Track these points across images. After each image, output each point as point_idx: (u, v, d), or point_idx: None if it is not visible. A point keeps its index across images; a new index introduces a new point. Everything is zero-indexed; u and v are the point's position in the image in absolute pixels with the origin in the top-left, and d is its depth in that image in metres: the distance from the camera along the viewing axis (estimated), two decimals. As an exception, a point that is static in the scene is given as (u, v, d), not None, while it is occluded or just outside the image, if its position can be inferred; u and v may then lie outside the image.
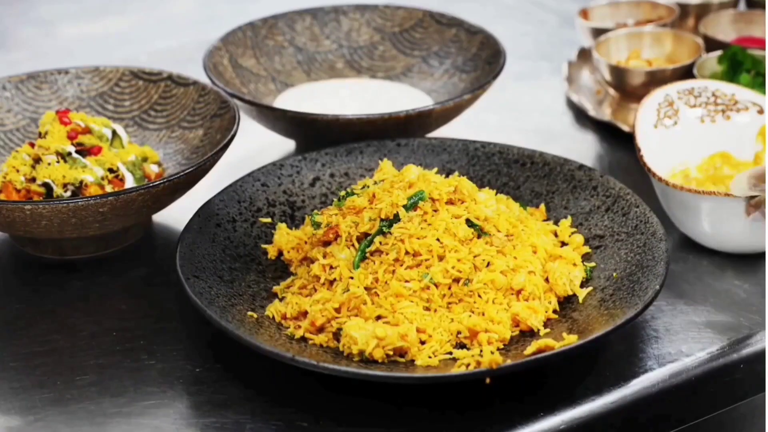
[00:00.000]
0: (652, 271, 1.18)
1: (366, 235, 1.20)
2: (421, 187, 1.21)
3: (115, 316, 1.25)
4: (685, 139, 1.38)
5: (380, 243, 1.19)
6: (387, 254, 1.18)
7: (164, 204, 1.31)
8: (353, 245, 1.20)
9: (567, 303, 1.21)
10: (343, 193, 1.26)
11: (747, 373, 1.20)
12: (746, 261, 1.31)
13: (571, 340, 1.11)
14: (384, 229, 1.19)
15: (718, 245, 1.32)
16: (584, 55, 1.75)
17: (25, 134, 1.44)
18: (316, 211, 1.30)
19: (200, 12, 2.04)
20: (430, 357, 1.13)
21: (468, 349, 1.15)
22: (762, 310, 1.24)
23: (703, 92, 1.40)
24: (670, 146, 1.37)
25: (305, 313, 1.18)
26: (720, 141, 1.38)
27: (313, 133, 1.44)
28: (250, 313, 1.19)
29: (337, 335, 1.16)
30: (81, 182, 1.31)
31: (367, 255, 1.18)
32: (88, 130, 1.35)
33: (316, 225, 1.24)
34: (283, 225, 1.31)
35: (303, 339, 1.17)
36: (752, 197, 1.22)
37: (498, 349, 1.14)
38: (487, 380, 1.09)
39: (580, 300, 1.20)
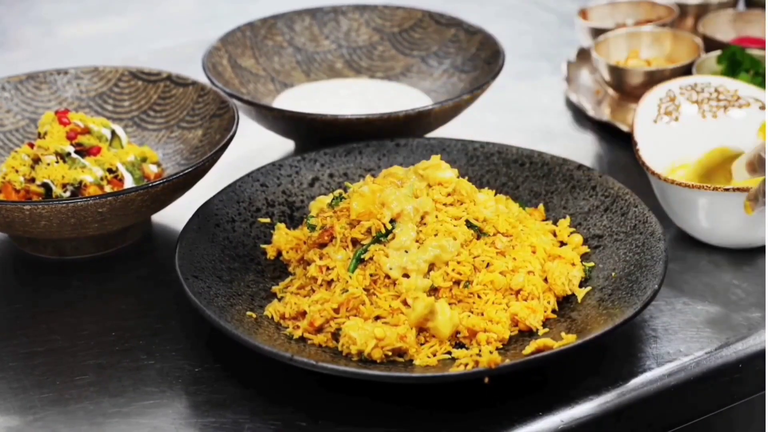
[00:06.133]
0: (651, 270, 1.18)
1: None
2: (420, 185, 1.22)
3: (115, 316, 1.25)
4: (685, 134, 1.38)
5: (376, 250, 1.19)
6: (387, 256, 1.18)
7: (163, 204, 1.31)
8: (348, 246, 1.20)
9: (566, 303, 1.21)
10: (337, 193, 1.26)
11: (746, 373, 1.20)
12: (745, 260, 1.31)
13: (569, 339, 1.11)
14: (381, 238, 1.19)
15: (715, 240, 1.32)
16: (583, 54, 1.75)
17: (24, 134, 1.45)
18: (311, 213, 1.30)
19: (199, 12, 2.04)
20: (428, 357, 1.13)
21: (467, 348, 1.15)
22: (761, 309, 1.24)
23: (705, 88, 1.40)
24: (669, 142, 1.37)
25: (304, 313, 1.18)
26: (720, 136, 1.38)
27: (312, 134, 1.44)
28: (249, 312, 1.19)
29: (335, 335, 1.16)
30: (80, 182, 1.31)
31: (365, 258, 1.18)
32: (87, 131, 1.35)
33: (311, 227, 1.24)
34: (282, 225, 1.31)
35: (302, 339, 1.17)
36: (747, 190, 1.21)
37: (497, 348, 1.14)
38: (486, 380, 1.09)
39: (579, 300, 1.21)
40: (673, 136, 1.38)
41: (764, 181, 1.17)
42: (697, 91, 1.39)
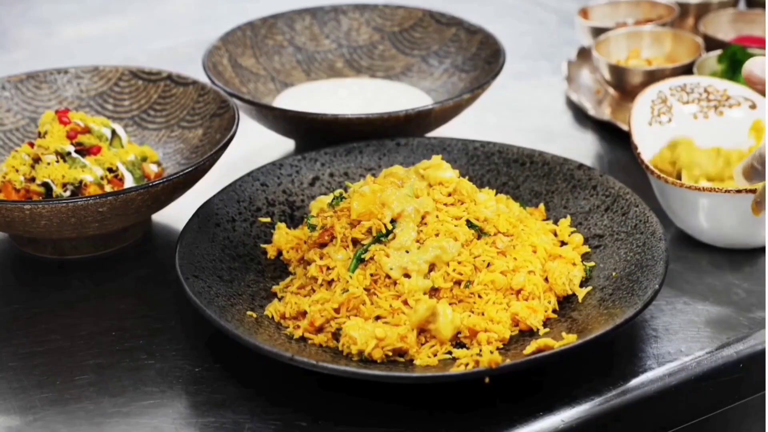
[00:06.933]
0: (652, 270, 1.18)
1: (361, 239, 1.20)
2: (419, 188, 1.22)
3: (115, 316, 1.25)
4: (680, 135, 1.38)
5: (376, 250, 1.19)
6: (388, 256, 1.18)
7: (163, 204, 1.31)
8: (349, 246, 1.20)
9: (566, 302, 1.21)
10: (337, 192, 1.26)
11: (746, 373, 1.20)
12: (745, 260, 1.31)
13: (570, 339, 1.11)
14: (381, 238, 1.19)
15: (716, 241, 1.32)
16: (584, 54, 1.75)
17: (24, 134, 1.45)
18: (311, 213, 1.30)
19: (200, 11, 2.04)
20: (429, 357, 1.13)
21: (467, 348, 1.15)
22: (761, 309, 1.24)
23: (695, 88, 1.40)
24: (665, 143, 1.37)
25: (304, 313, 1.18)
26: (713, 137, 1.38)
27: (312, 133, 1.44)
28: (249, 312, 1.19)
29: (336, 335, 1.16)
30: (80, 182, 1.31)
31: (365, 258, 1.18)
32: (87, 130, 1.35)
33: (311, 227, 1.24)
34: (283, 225, 1.31)
35: (302, 339, 1.17)
36: (753, 191, 1.22)
37: (497, 348, 1.14)
38: (486, 380, 1.09)
39: (580, 299, 1.20)
40: (669, 138, 1.38)
41: (765, 186, 1.18)
42: (687, 92, 1.40)
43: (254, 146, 1.54)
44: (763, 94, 1.16)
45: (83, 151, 1.33)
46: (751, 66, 1.15)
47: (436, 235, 1.19)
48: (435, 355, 1.14)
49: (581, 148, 1.56)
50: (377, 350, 1.12)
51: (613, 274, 1.22)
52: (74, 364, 1.18)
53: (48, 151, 1.32)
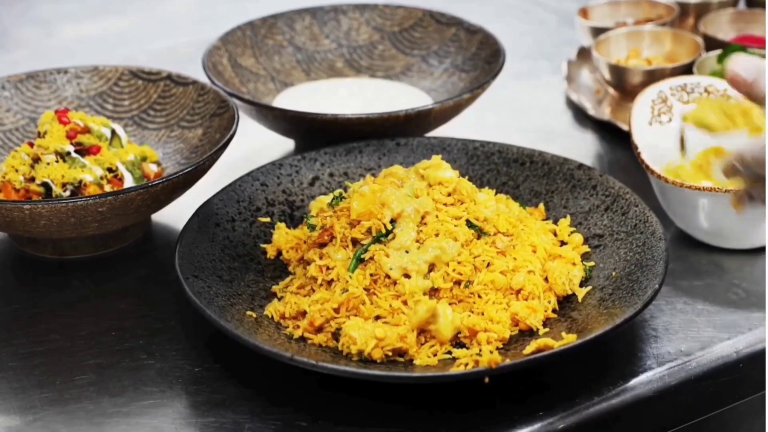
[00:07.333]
0: (652, 270, 1.18)
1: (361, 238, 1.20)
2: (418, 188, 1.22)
3: (114, 316, 1.25)
4: (679, 135, 1.38)
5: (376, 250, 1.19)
6: (387, 256, 1.18)
7: (163, 203, 1.31)
8: (348, 246, 1.20)
9: (566, 302, 1.21)
10: (337, 192, 1.26)
11: (746, 373, 1.20)
12: (745, 259, 1.31)
13: (570, 339, 1.11)
14: (381, 238, 1.19)
15: (716, 240, 1.32)
16: (584, 54, 1.75)
17: (24, 134, 1.45)
18: (311, 213, 1.30)
19: (199, 11, 2.04)
20: (429, 357, 1.13)
21: (467, 348, 1.15)
22: (761, 309, 1.24)
23: (695, 88, 1.40)
24: (664, 143, 1.37)
25: (304, 313, 1.18)
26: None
27: (312, 133, 1.44)
28: (249, 312, 1.19)
29: (336, 335, 1.16)
30: (80, 182, 1.31)
31: (365, 258, 1.18)
32: (87, 130, 1.35)
33: (311, 227, 1.24)
34: (282, 224, 1.31)
35: (302, 339, 1.17)
36: (734, 191, 1.20)
37: (497, 348, 1.14)
38: (486, 380, 1.09)
39: (580, 299, 1.20)
40: (669, 137, 1.38)
41: (747, 183, 1.15)
42: (687, 91, 1.40)
43: (254, 146, 1.54)
44: (749, 98, 1.12)
45: (83, 151, 1.33)
46: (734, 67, 1.05)
47: (436, 235, 1.19)
48: (435, 355, 1.14)
49: (581, 148, 1.56)
50: (377, 350, 1.12)
51: (613, 273, 1.22)
52: (74, 364, 1.18)
53: (48, 151, 1.32)
